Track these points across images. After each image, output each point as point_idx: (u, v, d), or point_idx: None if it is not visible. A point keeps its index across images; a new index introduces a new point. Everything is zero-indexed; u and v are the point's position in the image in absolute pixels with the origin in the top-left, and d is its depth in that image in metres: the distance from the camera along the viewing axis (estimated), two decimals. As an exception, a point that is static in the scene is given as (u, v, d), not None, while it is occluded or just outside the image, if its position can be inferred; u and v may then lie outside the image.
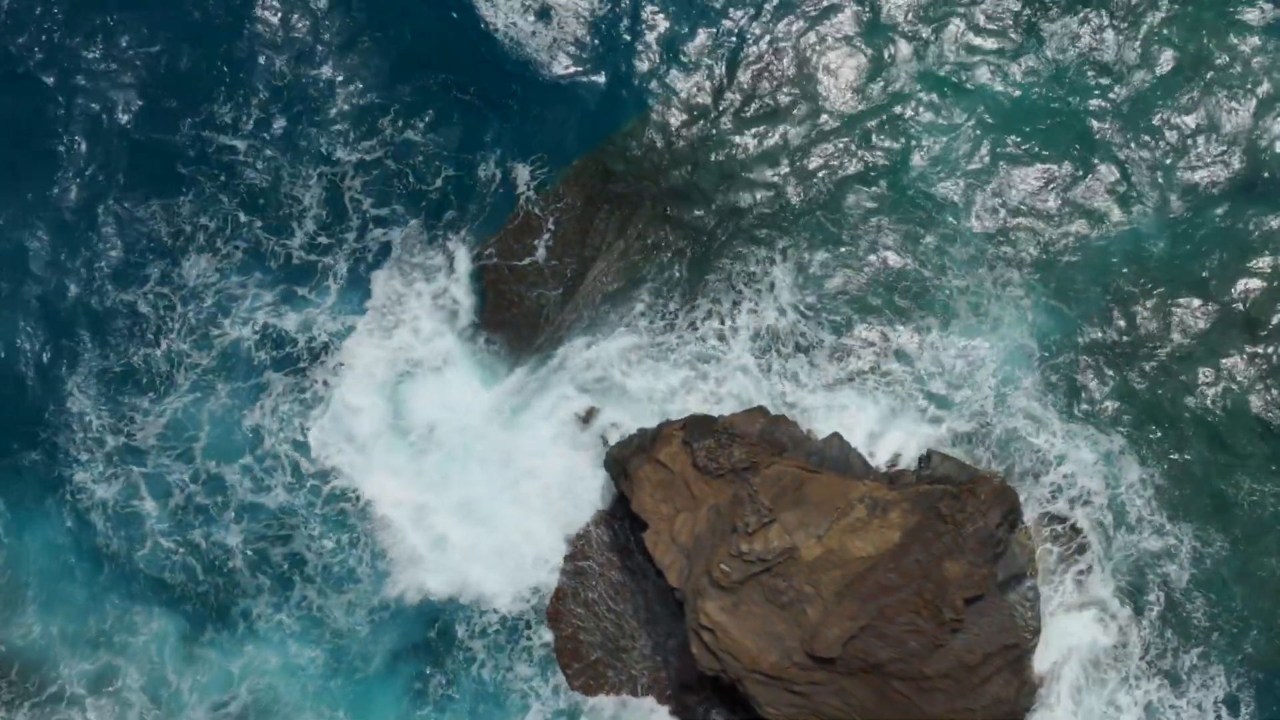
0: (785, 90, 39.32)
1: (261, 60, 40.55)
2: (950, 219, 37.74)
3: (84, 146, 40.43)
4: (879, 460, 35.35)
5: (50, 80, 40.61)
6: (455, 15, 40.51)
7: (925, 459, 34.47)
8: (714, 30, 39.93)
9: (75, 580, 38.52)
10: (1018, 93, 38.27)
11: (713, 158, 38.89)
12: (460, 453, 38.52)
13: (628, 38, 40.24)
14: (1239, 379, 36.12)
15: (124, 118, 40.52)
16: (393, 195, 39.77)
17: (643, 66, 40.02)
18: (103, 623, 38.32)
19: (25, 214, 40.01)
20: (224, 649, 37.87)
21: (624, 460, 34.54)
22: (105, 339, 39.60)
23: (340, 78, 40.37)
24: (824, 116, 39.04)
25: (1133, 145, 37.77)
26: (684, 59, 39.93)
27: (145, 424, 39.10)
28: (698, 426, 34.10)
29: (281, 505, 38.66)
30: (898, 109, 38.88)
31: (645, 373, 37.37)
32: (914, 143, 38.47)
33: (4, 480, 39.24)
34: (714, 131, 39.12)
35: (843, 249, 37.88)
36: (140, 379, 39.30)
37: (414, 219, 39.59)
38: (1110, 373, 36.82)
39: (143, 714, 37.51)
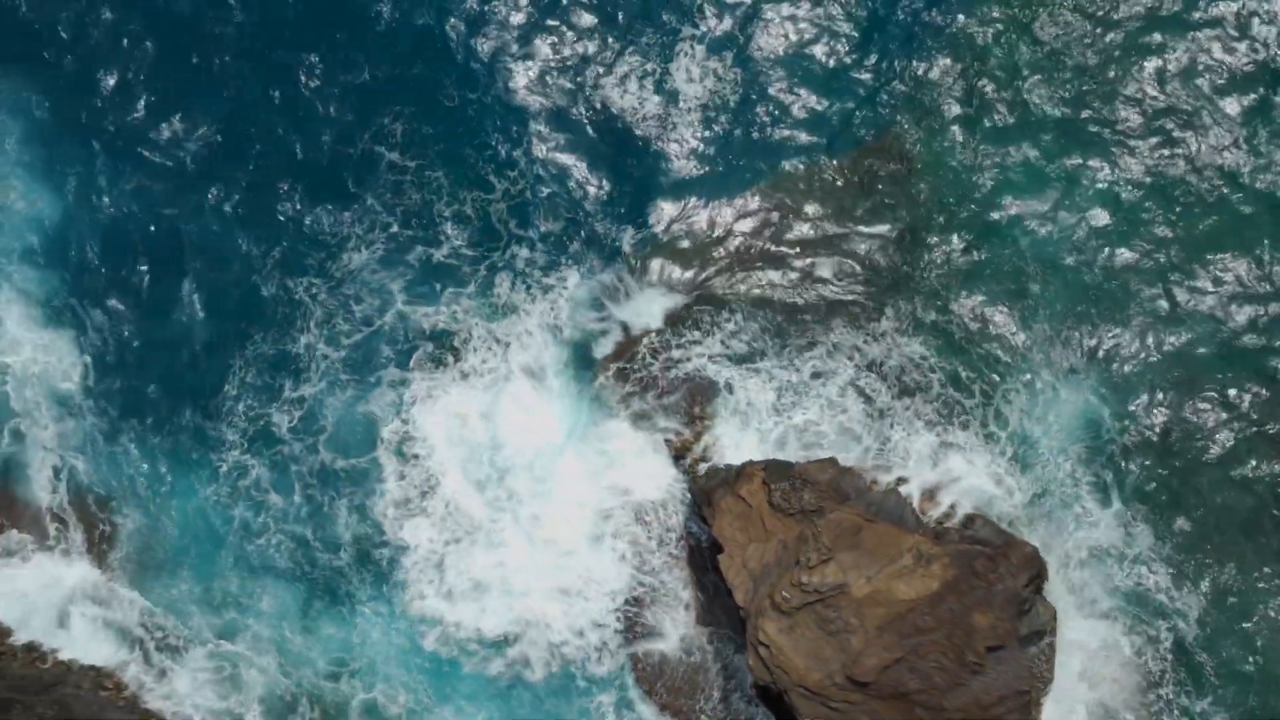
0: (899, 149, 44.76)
1: (440, 86, 46.31)
2: (1040, 291, 43.11)
3: (281, 150, 46.44)
4: (930, 515, 40.87)
5: (255, 89, 46.63)
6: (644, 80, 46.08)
7: (969, 521, 40.13)
8: (829, 103, 45.48)
9: (209, 547, 44.15)
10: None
11: (827, 217, 44.42)
12: (548, 464, 43.92)
13: (757, 113, 45.70)
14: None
15: (314, 126, 46.35)
16: (535, 221, 45.25)
17: (751, 137, 45.51)
18: (229, 588, 43.82)
19: (219, 204, 45.94)
20: (332, 627, 43.34)
21: (709, 490, 40.51)
22: (262, 325, 45.26)
23: (505, 109, 45.99)
24: (938, 182, 44.52)
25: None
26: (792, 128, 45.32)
27: (283, 410, 44.67)
28: (776, 469, 39.92)
29: (382, 503, 44.03)
30: (1011, 180, 44.21)
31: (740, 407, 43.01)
32: (1026, 221, 43.77)
33: (159, 448, 44.77)
34: (827, 196, 44.54)
35: (943, 315, 43.26)
36: (286, 366, 44.90)
37: (549, 247, 45.17)
38: (1156, 459, 41.93)
39: (261, 670, 43.21)
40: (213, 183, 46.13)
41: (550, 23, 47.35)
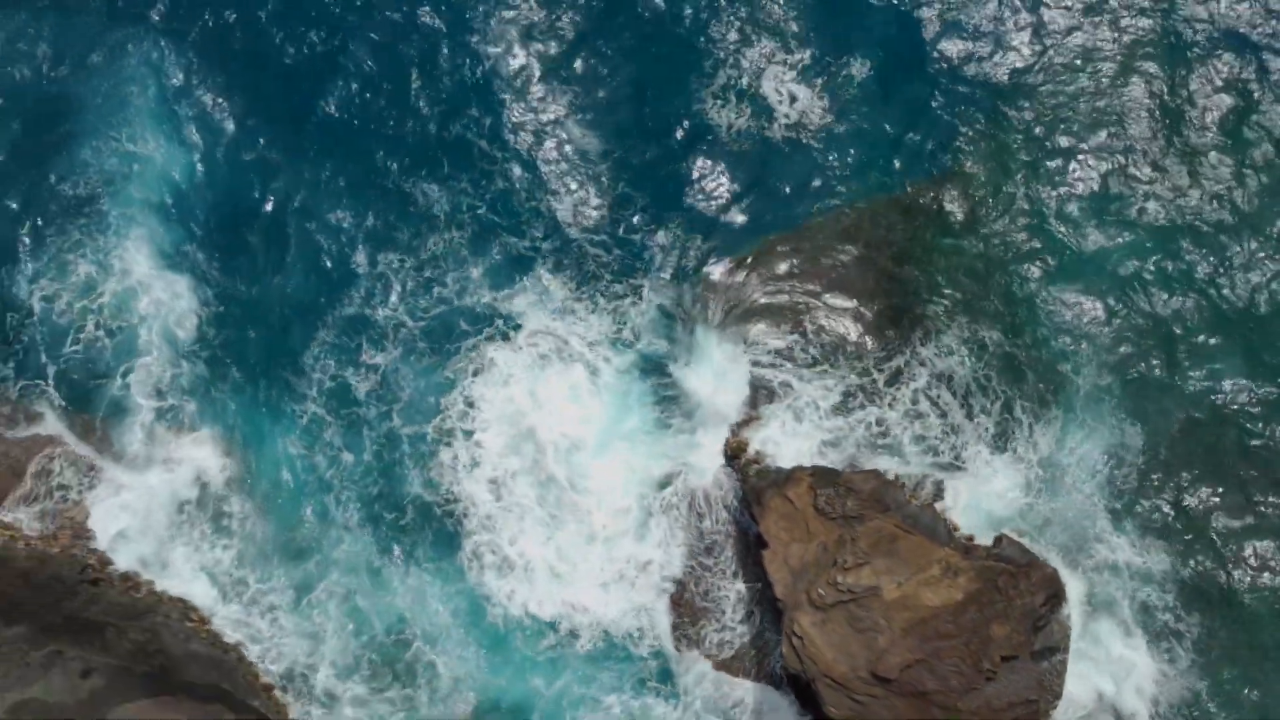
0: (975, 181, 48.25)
1: (536, 86, 50.12)
2: (1089, 328, 46.59)
3: (387, 135, 50.46)
4: (962, 532, 44.47)
5: (370, 77, 50.58)
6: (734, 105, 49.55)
7: (997, 540, 43.66)
8: (929, 138, 49.04)
9: (290, 496, 47.83)
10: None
11: (902, 242, 47.82)
12: (605, 452, 47.56)
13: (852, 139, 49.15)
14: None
15: (420, 118, 50.39)
16: (610, 229, 48.82)
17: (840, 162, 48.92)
18: (306, 537, 47.41)
19: (328, 180, 50.06)
20: (396, 585, 46.84)
21: (760, 490, 44.07)
22: (351, 293, 48.97)
23: (596, 122, 49.71)
24: (1005, 211, 47.96)
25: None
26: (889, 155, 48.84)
27: (361, 373, 48.37)
28: (824, 476, 43.46)
29: (443, 471, 47.63)
30: (1078, 220, 47.81)
31: (794, 412, 46.45)
32: (1081, 260, 47.27)
33: (251, 397, 48.49)
34: (909, 225, 47.92)
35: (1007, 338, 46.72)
36: (368, 332, 48.52)
37: (622, 253, 48.67)
38: (1177, 493, 45.26)
39: (332, 621, 46.73)
40: (325, 160, 49.93)
41: (654, 39, 51.08)
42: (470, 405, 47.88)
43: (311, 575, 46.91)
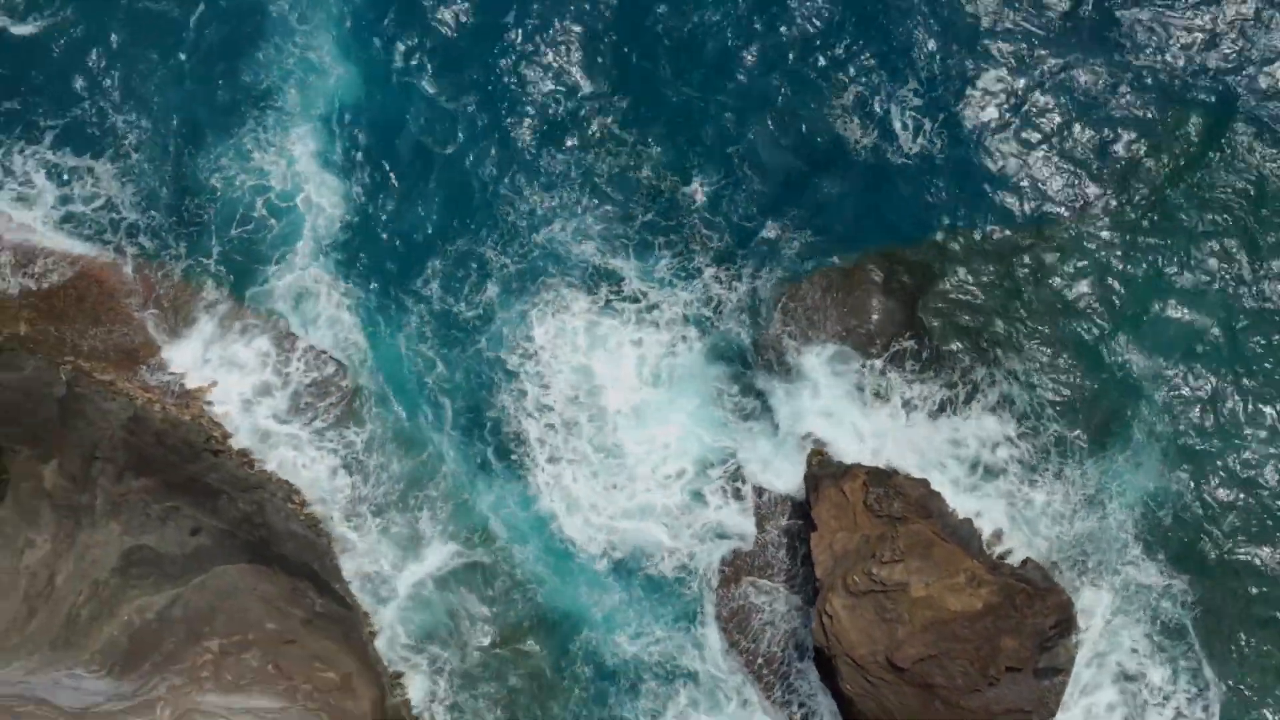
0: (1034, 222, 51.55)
1: (665, 79, 54.23)
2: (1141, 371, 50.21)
3: (531, 101, 54.67)
4: (995, 549, 48.57)
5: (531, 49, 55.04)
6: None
7: (1024, 562, 47.97)
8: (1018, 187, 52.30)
9: (399, 395, 52.61)
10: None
11: (974, 283, 51.47)
12: (673, 415, 51.86)
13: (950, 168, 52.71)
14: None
15: (561, 90, 54.65)
16: (719, 220, 53.00)
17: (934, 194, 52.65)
18: (410, 438, 52.19)
19: (480, 129, 54.59)
20: (483, 494, 51.66)
21: (819, 478, 48.33)
22: (476, 229, 53.70)
23: (721, 120, 53.87)
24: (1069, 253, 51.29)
25: None
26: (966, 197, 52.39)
27: (465, 302, 53.06)
28: (878, 476, 47.73)
29: (520, 402, 52.19)
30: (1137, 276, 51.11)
31: (859, 417, 50.70)
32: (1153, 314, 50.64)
33: (378, 299, 53.30)
34: (981, 262, 51.55)
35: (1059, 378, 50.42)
36: (479, 266, 53.28)
37: (728, 244, 52.76)
38: (1208, 538, 48.87)
39: (442, 516, 51.68)
40: (480, 112, 54.41)
41: (788, 46, 54.59)
42: (550, 349, 52.19)
43: (410, 472, 51.70)
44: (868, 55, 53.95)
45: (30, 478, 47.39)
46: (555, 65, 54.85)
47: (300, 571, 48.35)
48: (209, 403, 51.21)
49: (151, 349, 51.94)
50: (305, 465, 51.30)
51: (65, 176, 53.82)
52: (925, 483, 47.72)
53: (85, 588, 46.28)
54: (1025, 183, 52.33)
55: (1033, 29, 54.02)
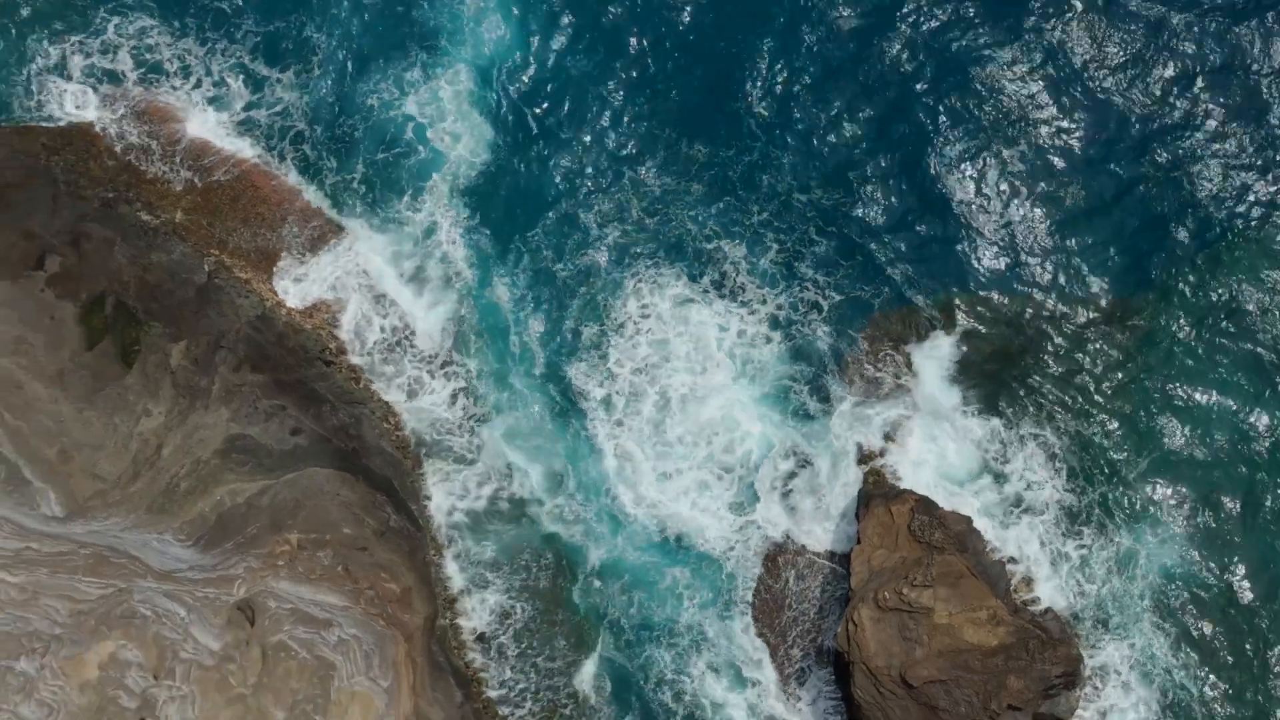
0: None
1: (821, 94, 57.00)
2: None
3: (685, 91, 57.87)
4: (1022, 596, 50.99)
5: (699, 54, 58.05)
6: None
7: (1045, 611, 50.59)
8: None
9: (498, 333, 56.08)
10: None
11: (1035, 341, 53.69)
12: (737, 404, 54.40)
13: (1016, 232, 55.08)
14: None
15: (732, 84, 57.69)
16: (832, 222, 55.78)
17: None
18: (499, 373, 55.68)
19: (630, 108, 57.56)
20: (557, 451, 54.84)
21: (871, 496, 51.13)
22: (587, 197, 56.98)
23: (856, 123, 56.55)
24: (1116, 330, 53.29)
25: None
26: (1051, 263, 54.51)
27: (564, 265, 56.33)
28: (925, 505, 50.26)
29: (600, 367, 55.22)
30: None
31: (923, 448, 53.20)
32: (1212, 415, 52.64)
33: (488, 260, 56.72)
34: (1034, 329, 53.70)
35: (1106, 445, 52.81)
36: (582, 232, 56.54)
37: (829, 245, 55.51)
38: (1215, 614, 50.85)
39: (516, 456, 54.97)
40: (631, 97, 57.85)
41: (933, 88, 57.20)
42: (637, 319, 55.23)
43: (494, 408, 54.92)
44: (985, 117, 56.30)
45: (159, 353, 50.88)
46: (704, 68, 57.78)
47: (381, 486, 51.50)
48: (330, 316, 54.25)
49: (288, 256, 55.20)
50: (406, 388, 54.40)
51: (256, 83, 57.63)
52: (968, 520, 50.08)
53: (187, 463, 49.76)
54: (1114, 260, 54.44)
55: (1138, 110, 56.15)
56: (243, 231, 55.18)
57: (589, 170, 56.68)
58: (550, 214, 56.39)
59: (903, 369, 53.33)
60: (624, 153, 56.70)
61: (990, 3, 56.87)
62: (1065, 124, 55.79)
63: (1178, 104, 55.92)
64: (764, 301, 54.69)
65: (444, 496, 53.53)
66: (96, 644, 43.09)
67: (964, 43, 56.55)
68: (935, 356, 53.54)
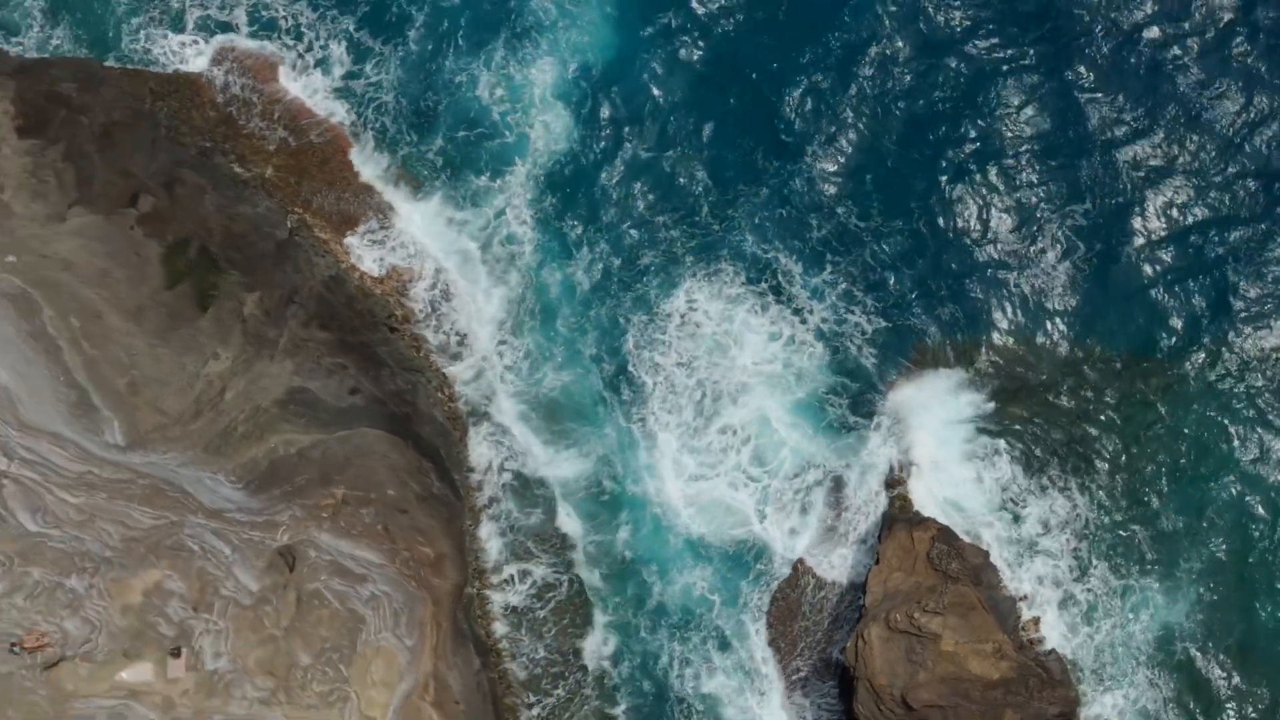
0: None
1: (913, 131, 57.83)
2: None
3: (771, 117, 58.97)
4: (1028, 635, 51.77)
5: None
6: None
7: (1050, 651, 51.39)
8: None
9: (558, 305, 57.37)
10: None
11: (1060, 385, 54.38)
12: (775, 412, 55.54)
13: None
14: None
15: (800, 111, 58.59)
16: (887, 261, 56.88)
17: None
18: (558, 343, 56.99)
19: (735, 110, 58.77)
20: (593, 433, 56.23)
21: (895, 520, 51.74)
22: (670, 198, 58.71)
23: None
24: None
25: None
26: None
27: (630, 259, 57.84)
28: (946, 535, 50.76)
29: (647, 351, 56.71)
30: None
31: (947, 478, 54.16)
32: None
33: (554, 245, 58.16)
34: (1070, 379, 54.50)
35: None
36: (656, 230, 58.06)
37: (878, 289, 56.55)
38: (1207, 679, 51.61)
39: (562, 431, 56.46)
40: (707, 108, 59.23)
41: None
42: (689, 316, 56.78)
43: (548, 383, 56.51)
44: (1052, 169, 57.10)
45: (234, 301, 52.11)
46: (784, 88, 58.93)
47: (429, 453, 52.52)
48: (399, 284, 55.61)
49: (367, 223, 56.82)
50: (461, 360, 56.10)
51: (359, 53, 59.34)
52: (986, 554, 50.58)
53: (248, 408, 50.98)
54: (1165, 322, 55.11)
55: (1212, 184, 56.76)
56: (327, 194, 56.56)
57: (663, 170, 57.87)
58: (617, 208, 57.67)
59: (941, 399, 53.39)
60: (698, 157, 57.92)
61: (1054, 69, 57.80)
62: (1124, 189, 56.66)
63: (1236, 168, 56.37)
64: (811, 312, 55.64)
65: (489, 458, 54.95)
66: (144, 571, 44.49)
67: (1038, 102, 57.64)
68: (970, 391, 54.09)
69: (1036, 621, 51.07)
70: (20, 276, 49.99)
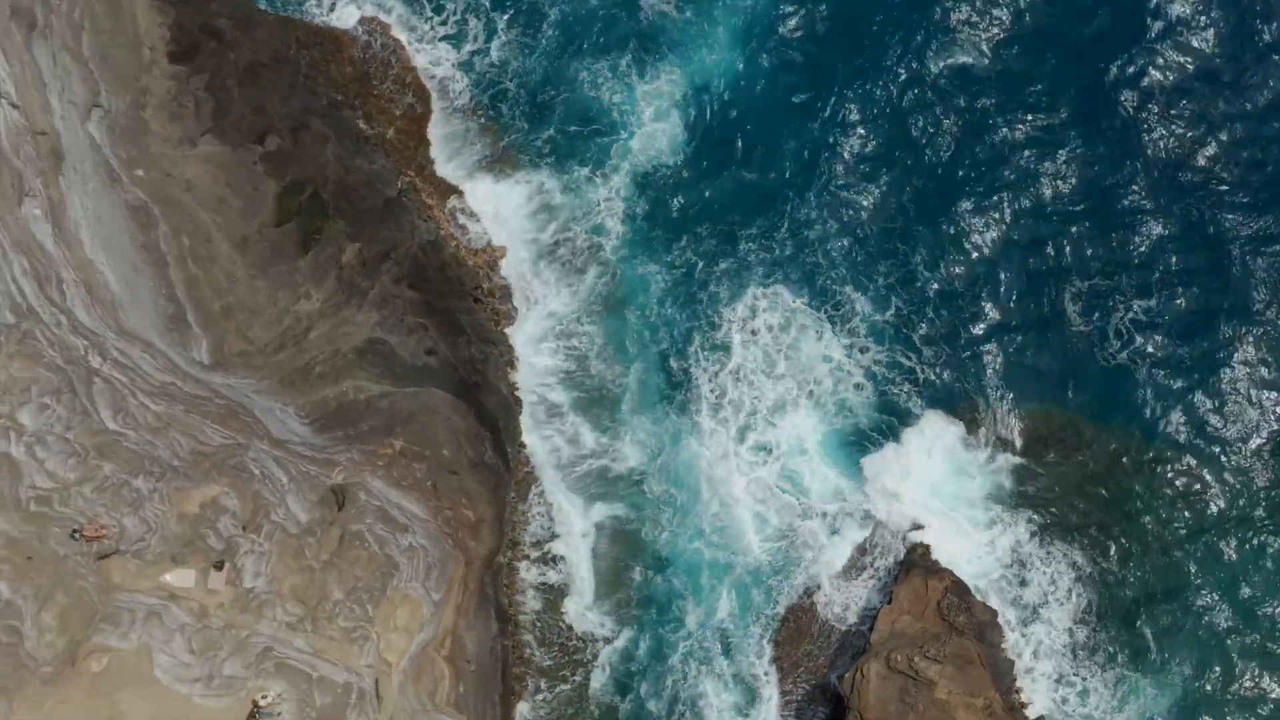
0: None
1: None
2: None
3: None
4: (1019, 695, 52.53)
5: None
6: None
7: (1039, 718, 52.20)
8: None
9: (627, 302, 58.78)
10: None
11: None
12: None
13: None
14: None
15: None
16: (947, 316, 57.29)
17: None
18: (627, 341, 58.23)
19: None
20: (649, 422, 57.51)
21: (912, 566, 52.23)
22: (750, 217, 59.41)
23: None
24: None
25: None
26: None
27: (708, 266, 58.78)
28: (959, 587, 50.82)
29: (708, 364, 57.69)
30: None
31: (960, 541, 54.61)
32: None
33: (638, 245, 59.58)
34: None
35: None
36: (732, 242, 59.06)
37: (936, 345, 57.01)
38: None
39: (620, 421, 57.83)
40: (817, 136, 60.16)
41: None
42: (748, 327, 57.82)
43: (611, 371, 57.76)
44: (1123, 264, 57.08)
45: (335, 247, 53.50)
46: (891, 153, 59.52)
47: (488, 423, 53.51)
48: (491, 259, 56.76)
49: (471, 197, 58.39)
50: (534, 338, 57.40)
51: (489, 32, 60.58)
52: (994, 614, 50.79)
53: (328, 351, 52.23)
54: (1207, 423, 55.04)
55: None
56: (440, 163, 57.66)
57: (755, 193, 58.83)
58: (707, 220, 58.79)
59: (979, 460, 54.06)
60: (791, 185, 58.85)
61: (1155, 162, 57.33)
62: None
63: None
64: (866, 350, 56.21)
65: (542, 440, 56.13)
66: (205, 485, 46.04)
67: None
68: (1003, 458, 54.44)
69: (1031, 685, 51.16)
70: (145, 190, 51.59)
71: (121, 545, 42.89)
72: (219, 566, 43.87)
